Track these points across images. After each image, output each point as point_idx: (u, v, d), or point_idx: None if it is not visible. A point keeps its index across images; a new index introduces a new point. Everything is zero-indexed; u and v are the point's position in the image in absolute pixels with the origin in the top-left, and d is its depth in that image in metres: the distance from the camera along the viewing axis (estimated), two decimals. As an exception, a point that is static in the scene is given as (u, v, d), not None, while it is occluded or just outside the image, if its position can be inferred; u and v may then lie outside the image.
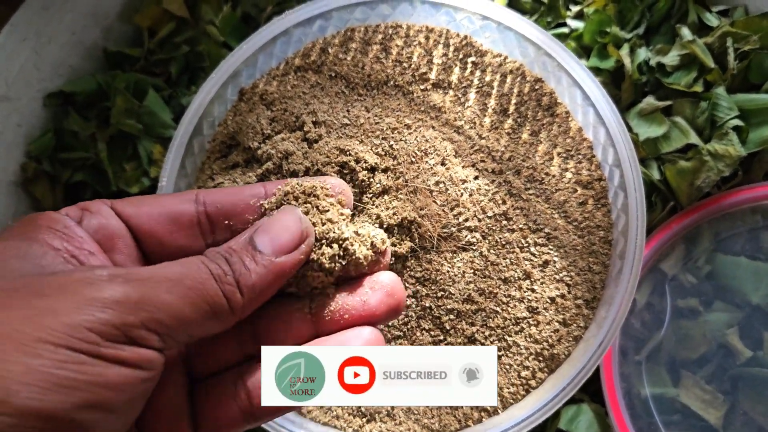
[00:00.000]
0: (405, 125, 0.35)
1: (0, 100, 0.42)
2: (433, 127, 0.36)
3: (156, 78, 0.45)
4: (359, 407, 0.34)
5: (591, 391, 0.42)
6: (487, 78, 0.37)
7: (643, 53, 0.45)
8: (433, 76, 0.37)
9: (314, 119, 0.35)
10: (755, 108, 0.43)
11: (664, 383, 0.41)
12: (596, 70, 0.45)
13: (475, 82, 0.37)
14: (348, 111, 0.36)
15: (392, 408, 0.33)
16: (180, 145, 0.35)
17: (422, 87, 0.37)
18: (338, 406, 0.34)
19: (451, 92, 0.37)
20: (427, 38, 0.37)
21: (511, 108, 0.37)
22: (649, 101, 0.44)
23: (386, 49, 0.37)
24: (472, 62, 0.37)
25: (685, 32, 0.44)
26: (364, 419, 0.34)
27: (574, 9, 0.48)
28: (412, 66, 0.37)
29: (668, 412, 0.41)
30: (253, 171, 0.35)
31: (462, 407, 0.34)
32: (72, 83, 0.44)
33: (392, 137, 0.35)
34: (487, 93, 0.37)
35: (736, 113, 0.42)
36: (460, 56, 0.37)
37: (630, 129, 0.43)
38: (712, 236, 0.43)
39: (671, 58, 0.44)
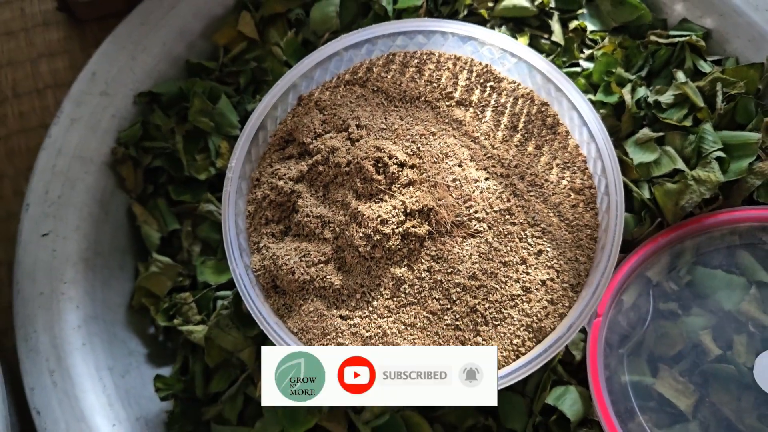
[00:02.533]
0: (431, 132, 0.43)
1: (101, 95, 0.51)
2: (454, 136, 0.43)
3: (227, 87, 0.54)
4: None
5: (579, 378, 0.48)
6: (502, 100, 0.45)
7: (642, 91, 0.52)
8: (457, 95, 0.45)
9: (357, 123, 0.43)
10: (737, 143, 0.49)
11: (643, 373, 0.47)
12: (601, 104, 0.52)
13: (492, 102, 0.45)
14: (385, 118, 0.44)
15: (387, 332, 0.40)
16: (248, 136, 0.43)
17: (447, 103, 0.44)
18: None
19: (471, 109, 0.45)
20: (454, 64, 0.45)
21: (520, 125, 0.44)
22: (645, 132, 0.51)
23: (420, 71, 0.45)
24: (491, 86, 0.45)
25: (680, 75, 0.52)
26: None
27: (587, 52, 0.56)
28: (440, 86, 0.45)
29: (645, 398, 0.46)
30: (305, 161, 0.43)
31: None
32: (159, 86, 0.53)
33: (420, 141, 0.43)
34: (501, 112, 0.44)
35: (719, 146, 0.49)
36: (481, 81, 0.45)
37: (626, 154, 0.50)
38: (694, 251, 0.49)
39: (666, 97, 0.51)
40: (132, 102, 0.52)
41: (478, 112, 0.45)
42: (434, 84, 0.45)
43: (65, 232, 0.48)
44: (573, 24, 0.56)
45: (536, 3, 0.56)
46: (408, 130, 0.43)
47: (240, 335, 0.47)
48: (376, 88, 0.45)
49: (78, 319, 0.46)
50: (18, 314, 0.45)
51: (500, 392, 0.45)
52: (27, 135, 0.59)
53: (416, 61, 0.45)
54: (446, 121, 0.44)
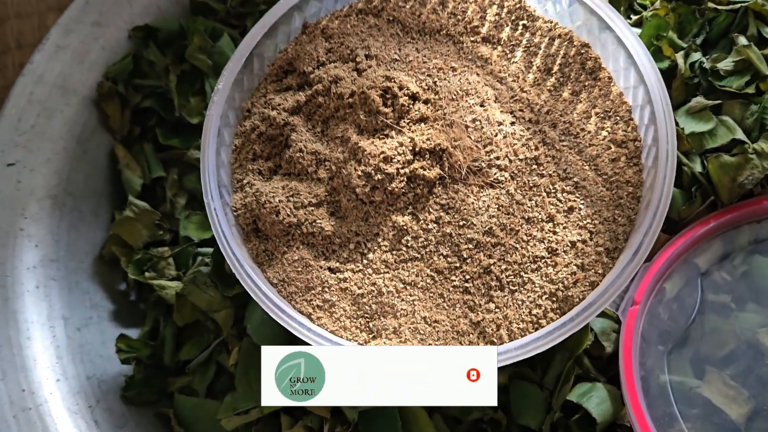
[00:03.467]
0: (451, 67, 0.37)
1: (93, 24, 0.47)
2: (477, 74, 0.37)
3: (232, 30, 0.49)
4: (367, 322, 0.34)
5: (609, 376, 0.41)
6: (536, 40, 0.39)
7: (697, 56, 0.46)
8: (484, 31, 0.39)
9: (367, 53, 0.38)
10: (807, 115, 0.43)
11: (686, 374, 0.40)
12: (650, 70, 0.45)
13: (524, 42, 0.39)
14: (399, 49, 0.38)
15: (399, 326, 0.34)
16: (241, 56, 0.37)
17: (472, 39, 0.39)
18: (346, 317, 0.34)
19: (499, 48, 0.39)
20: (483, -1, 0.39)
21: (555, 68, 0.38)
22: (699, 100, 0.44)
23: (443, 3, 0.39)
24: (523, 25, 0.39)
25: (742, 40, 0.45)
26: (371, 335, 0.34)
27: (634, 17, 0.50)
28: (466, 19, 0.39)
29: (688, 404, 0.39)
30: (303, 92, 0.38)
31: (468, 336, 0.34)
32: (157, 21, 0.48)
33: (437, 75, 0.37)
34: (533, 53, 0.38)
35: (787, 117, 0.42)
36: (513, 18, 0.39)
37: (677, 125, 0.43)
38: (752, 237, 0.42)
39: (725, 64, 0.45)
40: (126, 36, 0.48)
41: (507, 52, 0.39)
42: (458, 17, 0.39)
43: (33, 165, 0.43)
44: (619, -15, 0.50)
45: (579, -40, 0.51)
46: (424, 63, 0.37)
47: (217, 294, 0.41)
48: (391, 18, 0.39)
49: (34, 259, 0.41)
50: (-33, 247, 0.40)
51: (513, 381, 0.38)
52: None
53: (440, -9, 0.40)
54: (469, 57, 0.38)
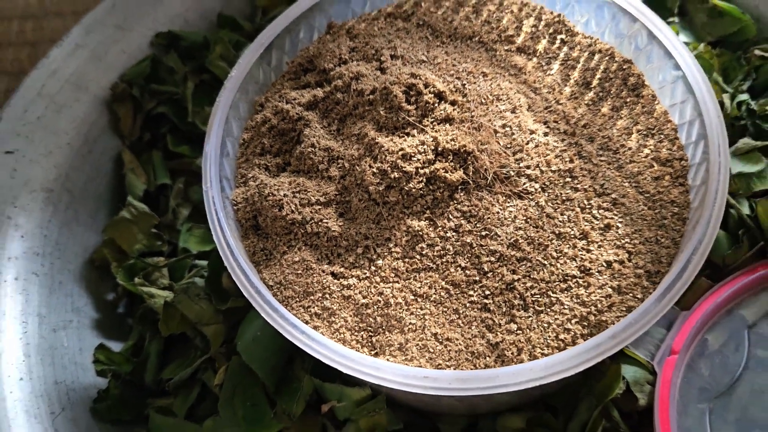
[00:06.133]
0: (482, 72, 0.35)
1: (115, 27, 0.46)
2: (509, 81, 0.35)
3: (257, 45, 0.48)
4: (370, 336, 0.30)
5: (644, 439, 0.36)
6: (574, 54, 0.36)
7: (744, 97, 0.43)
8: (519, 41, 0.36)
9: (392, 53, 0.35)
10: None
11: (732, 438, 0.35)
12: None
13: (561, 55, 0.36)
14: (428, 51, 0.36)
15: (405, 341, 0.30)
16: (258, 47, 0.35)
17: (506, 48, 0.36)
18: (346, 329, 0.30)
19: (534, 59, 0.36)
20: (520, 9, 0.37)
21: (595, 82, 0.35)
22: (746, 141, 0.41)
23: (477, 11, 0.37)
24: (561, 39, 0.37)
25: (793, 83, 0.42)
26: (372, 351, 0.30)
27: (677, 60, 0.48)
28: (500, 27, 0.37)
29: (733, 472, 0.34)
30: (322, 89, 0.35)
31: (484, 358, 0.29)
32: (182, 31, 0.47)
33: (466, 79, 0.34)
34: (571, 66, 0.36)
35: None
36: (550, 31, 0.37)
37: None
38: (807, 288, 0.38)
39: (775, 106, 0.42)
40: (148, 43, 0.47)
41: (543, 63, 0.36)
42: (492, 25, 0.37)
43: (33, 155, 0.41)
44: (662, 29, 0.48)
45: (621, 2, 0.49)
46: (453, 66, 0.35)
47: (210, 308, 0.37)
48: (421, 23, 0.37)
49: (18, 250, 0.38)
50: (-51, 230, 0.37)
51: (531, 429, 0.34)
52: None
53: (474, 1, 0.38)
54: (502, 65, 0.36)
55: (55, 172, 0.41)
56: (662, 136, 0.33)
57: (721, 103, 0.43)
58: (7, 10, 0.65)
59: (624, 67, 0.35)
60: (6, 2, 0.65)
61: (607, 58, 0.36)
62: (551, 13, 0.37)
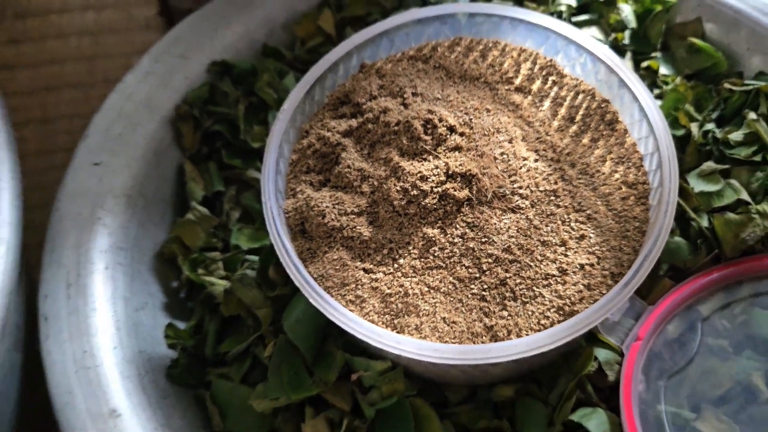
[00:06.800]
0: (486, 109, 0.43)
1: (179, 56, 0.54)
2: (508, 116, 0.43)
3: (297, 72, 0.56)
4: (392, 319, 0.38)
5: (610, 405, 0.44)
6: (563, 93, 0.44)
7: (710, 126, 0.51)
8: (517, 82, 0.45)
9: (413, 91, 0.44)
10: (808, 186, 0.47)
11: (682, 407, 0.42)
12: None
13: (552, 94, 0.44)
14: (442, 90, 0.44)
15: (420, 323, 0.38)
16: (306, 84, 0.44)
17: (507, 87, 0.44)
18: (374, 312, 0.38)
19: (529, 97, 0.44)
20: (518, 54, 0.45)
21: (578, 117, 0.43)
22: (709, 164, 0.49)
23: (484, 56, 0.46)
24: (552, 80, 0.45)
25: (752, 115, 0.50)
26: (395, 330, 0.38)
27: (656, 91, 0.55)
28: (502, 71, 0.45)
29: (683, 434, 0.42)
30: (356, 119, 0.44)
31: (481, 337, 0.37)
32: (234, 60, 0.55)
33: (473, 114, 0.42)
34: (559, 103, 0.44)
35: (790, 185, 0.46)
36: (544, 73, 0.45)
37: (687, 184, 0.48)
38: (752, 291, 0.45)
39: (736, 135, 0.50)
40: (205, 69, 0.55)
41: (536, 101, 0.44)
42: (496, 68, 0.45)
43: (116, 166, 0.49)
44: (645, 63, 0.56)
45: (610, 38, 0.57)
46: (463, 103, 0.43)
47: (260, 294, 0.45)
48: (438, 65, 0.45)
49: (107, 244, 0.46)
50: (51, 228, 0.46)
51: (519, 397, 0.42)
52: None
53: (481, 47, 0.46)
54: (503, 102, 0.44)
55: (132, 181, 0.49)
56: (630, 163, 0.41)
57: (689, 132, 0.50)
58: (65, 28, 0.74)
59: (602, 105, 0.43)
60: (64, 20, 0.73)
61: (589, 97, 0.44)
62: (544, 58, 0.45)
